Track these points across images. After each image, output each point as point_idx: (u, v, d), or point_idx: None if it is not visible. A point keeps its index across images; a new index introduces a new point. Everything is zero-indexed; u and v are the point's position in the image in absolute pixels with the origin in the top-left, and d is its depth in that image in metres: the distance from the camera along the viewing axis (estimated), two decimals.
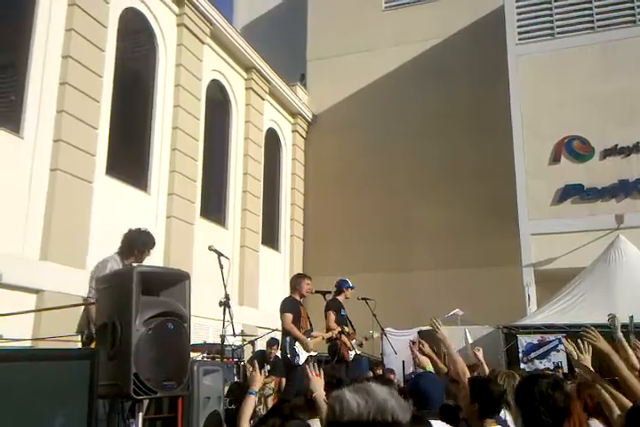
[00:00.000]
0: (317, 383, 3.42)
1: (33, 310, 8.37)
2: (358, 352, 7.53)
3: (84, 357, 3.00)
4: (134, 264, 5.06)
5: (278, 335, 8.80)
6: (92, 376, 2.85)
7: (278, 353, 8.56)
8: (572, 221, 15.27)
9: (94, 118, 11.17)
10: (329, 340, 7.27)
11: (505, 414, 3.69)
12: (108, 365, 3.15)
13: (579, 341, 3.77)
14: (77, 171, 10.60)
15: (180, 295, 3.54)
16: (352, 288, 7.83)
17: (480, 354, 5.42)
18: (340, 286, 7.77)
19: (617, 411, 3.30)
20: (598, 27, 16.81)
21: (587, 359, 3.75)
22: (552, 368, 11.16)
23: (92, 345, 4.89)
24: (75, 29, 10.93)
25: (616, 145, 15.71)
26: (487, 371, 5.42)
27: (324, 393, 3.36)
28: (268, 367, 9.74)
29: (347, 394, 1.35)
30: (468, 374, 4.19)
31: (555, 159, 16.16)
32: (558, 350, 11.93)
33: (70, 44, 10.85)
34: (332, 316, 7.44)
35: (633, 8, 16.67)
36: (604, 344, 3.65)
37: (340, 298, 7.71)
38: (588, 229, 15.05)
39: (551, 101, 16.27)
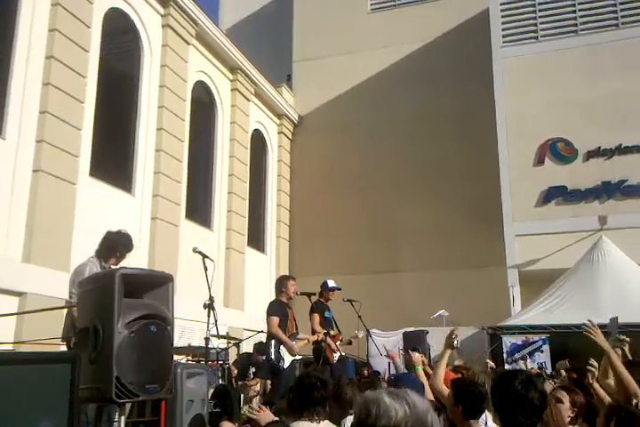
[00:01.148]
0: (263, 416, 3.42)
1: (14, 313, 8.28)
2: (343, 354, 7.53)
3: (65, 360, 2.98)
4: (116, 267, 5.03)
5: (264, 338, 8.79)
6: (73, 380, 2.83)
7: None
8: (556, 223, 15.40)
9: (78, 119, 11.07)
10: (313, 342, 7.27)
11: (485, 413, 3.70)
12: (89, 368, 3.12)
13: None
14: (60, 172, 10.50)
15: (164, 298, 3.51)
16: (336, 289, 7.81)
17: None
18: (322, 288, 7.78)
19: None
20: (581, 30, 16.98)
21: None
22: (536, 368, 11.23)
23: None
24: (58, 30, 10.84)
25: (599, 147, 15.86)
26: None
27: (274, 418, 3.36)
28: (253, 369, 9.70)
29: (385, 399, 1.30)
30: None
31: (539, 161, 16.29)
32: (542, 351, 12.02)
33: (54, 44, 10.76)
34: (317, 318, 7.43)
35: (616, 11, 16.85)
36: (602, 340, 3.73)
37: (323, 300, 7.71)
38: (571, 230, 15.18)
39: (535, 103, 16.39)
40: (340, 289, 7.93)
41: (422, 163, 18.35)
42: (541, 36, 17.28)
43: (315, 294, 7.66)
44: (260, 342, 9.71)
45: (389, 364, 9.58)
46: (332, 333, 7.35)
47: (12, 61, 10.20)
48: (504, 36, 17.40)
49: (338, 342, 7.49)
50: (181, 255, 12.96)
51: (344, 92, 20.11)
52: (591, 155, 15.93)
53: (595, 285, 12.68)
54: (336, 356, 7.33)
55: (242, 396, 7.87)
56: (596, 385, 3.78)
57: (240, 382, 9.21)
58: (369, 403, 1.32)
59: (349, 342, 7.91)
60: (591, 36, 16.74)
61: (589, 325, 3.84)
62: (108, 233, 5.57)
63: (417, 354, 5.04)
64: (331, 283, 7.86)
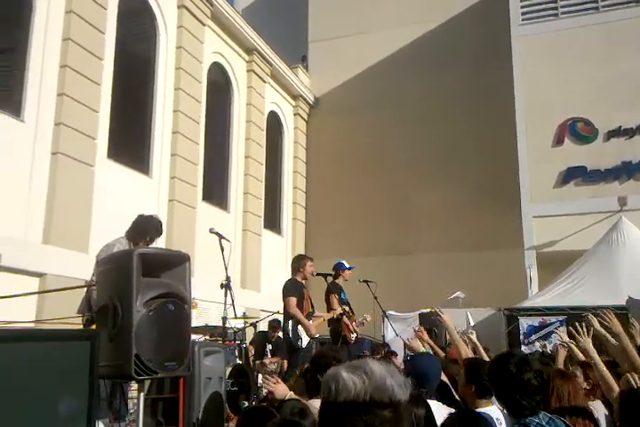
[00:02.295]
0: (281, 391, 3.42)
1: (34, 292, 8.42)
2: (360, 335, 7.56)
3: (85, 337, 3.02)
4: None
5: (281, 318, 8.85)
6: (92, 357, 2.87)
7: (280, 334, 8.62)
8: (575, 204, 15.23)
9: (95, 101, 11.12)
10: (330, 322, 7.30)
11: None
12: (109, 346, 3.17)
13: (577, 324, 3.82)
14: (79, 154, 10.58)
15: (181, 277, 3.54)
16: (350, 269, 7.80)
17: (474, 337, 5.44)
18: (338, 269, 7.76)
19: (616, 389, 3.32)
20: (602, 7, 16.60)
21: (587, 342, 3.79)
22: (552, 350, 11.20)
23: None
24: (74, 11, 10.84)
25: (620, 127, 15.61)
26: (483, 353, 5.45)
27: (292, 393, 3.37)
28: (270, 347, 9.80)
29: (343, 373, 1.30)
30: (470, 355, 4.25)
31: (558, 141, 16.07)
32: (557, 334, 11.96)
33: (70, 26, 10.77)
34: (335, 299, 7.44)
35: None
36: (617, 327, 3.71)
37: (339, 281, 7.71)
38: (590, 211, 15.01)
39: (555, 83, 16.12)
40: (354, 268, 7.91)
41: (438, 143, 18.21)
42: (561, 13, 16.93)
43: (331, 275, 7.67)
44: (275, 319, 9.81)
45: (405, 345, 9.59)
46: (368, 320, 7.37)
47: (29, 44, 10.24)
48: (523, 14, 17.08)
49: (353, 323, 7.52)
50: (198, 237, 13.05)
51: (359, 73, 19.95)
52: (611, 134, 15.68)
53: (613, 266, 12.54)
54: (353, 336, 7.36)
55: (258, 375, 7.97)
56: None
57: (257, 362, 9.33)
58: (329, 380, 1.32)
59: (361, 324, 7.93)
60: (611, 13, 16.37)
61: (607, 312, 3.81)
62: (140, 217, 5.61)
63: (415, 341, 5.07)
64: (345, 263, 7.86)
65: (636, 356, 3.64)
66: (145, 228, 5.52)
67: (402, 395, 1.31)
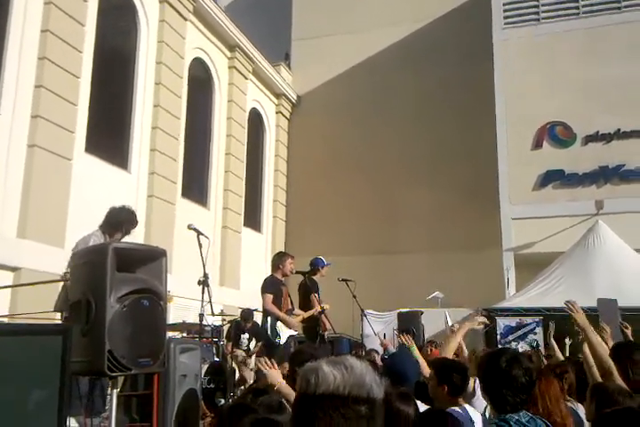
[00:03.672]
0: (274, 376, 3.36)
1: (8, 286, 8.27)
2: (336, 333, 7.48)
3: (57, 332, 2.96)
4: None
5: (252, 308, 8.79)
6: (64, 352, 2.81)
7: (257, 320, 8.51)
8: (553, 206, 15.39)
9: (73, 94, 10.96)
10: (305, 321, 7.24)
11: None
12: (82, 341, 3.11)
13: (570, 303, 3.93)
14: (56, 148, 10.42)
15: (157, 272, 3.49)
16: (327, 265, 7.77)
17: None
18: (317, 265, 7.72)
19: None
20: (583, 13, 16.78)
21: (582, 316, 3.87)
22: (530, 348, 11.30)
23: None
24: (54, 3, 10.66)
25: (597, 131, 15.80)
26: (465, 351, 5.47)
27: (283, 382, 3.31)
28: (246, 335, 9.69)
29: (323, 366, 1.31)
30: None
31: (537, 144, 16.23)
32: (535, 333, 12.09)
33: (49, 18, 10.59)
34: (315, 298, 7.40)
35: None
36: (581, 318, 3.77)
37: (316, 277, 7.68)
38: (568, 214, 15.18)
39: (535, 86, 16.27)
40: (330, 264, 7.86)
41: (421, 144, 18.28)
42: (543, 18, 17.09)
43: (309, 273, 7.63)
44: (245, 309, 9.75)
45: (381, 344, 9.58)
46: (326, 307, 7.29)
47: (6, 35, 10.06)
48: (505, 18, 17.21)
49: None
50: (177, 234, 12.94)
51: (343, 72, 19.94)
52: (590, 139, 15.87)
53: (589, 269, 12.70)
54: (326, 334, 7.32)
55: (233, 363, 7.88)
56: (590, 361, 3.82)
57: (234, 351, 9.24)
58: (308, 372, 1.32)
59: (319, 313, 7.79)
60: (593, 19, 16.56)
61: (571, 303, 3.91)
62: (113, 209, 5.56)
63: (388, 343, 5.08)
64: (324, 260, 7.82)
65: (602, 352, 3.69)
66: (118, 219, 5.47)
67: (379, 393, 1.32)
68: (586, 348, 3.90)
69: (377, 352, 9.43)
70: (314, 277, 7.66)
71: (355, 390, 1.28)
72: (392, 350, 8.66)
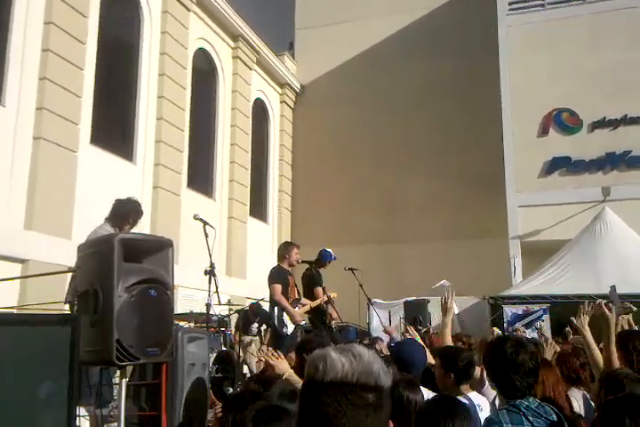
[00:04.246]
0: (281, 366, 3.37)
1: (16, 277, 8.32)
2: (342, 323, 7.48)
3: (66, 323, 2.99)
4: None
5: (261, 302, 8.81)
6: (72, 342, 2.84)
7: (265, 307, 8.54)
8: (559, 194, 15.31)
9: (78, 86, 10.95)
10: (314, 310, 7.26)
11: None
12: (90, 331, 3.13)
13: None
14: (61, 140, 10.44)
15: (163, 262, 3.50)
16: (333, 259, 7.77)
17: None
18: (324, 258, 7.74)
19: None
20: None
21: (585, 319, 3.84)
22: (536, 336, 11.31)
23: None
24: None
25: (604, 117, 15.67)
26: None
27: (292, 371, 3.32)
28: (255, 325, 9.70)
29: (332, 353, 1.31)
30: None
31: (543, 131, 16.13)
32: (543, 320, 12.09)
33: (52, 9, 10.57)
34: (320, 291, 7.40)
35: None
36: (583, 321, 3.76)
37: (322, 269, 7.70)
38: (574, 201, 15.11)
39: (541, 73, 16.14)
40: (334, 259, 7.86)
41: (425, 132, 18.21)
42: (548, 4, 16.92)
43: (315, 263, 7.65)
44: (254, 303, 9.78)
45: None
46: (333, 295, 7.30)
47: (10, 27, 10.05)
48: (510, 4, 17.04)
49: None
50: (183, 225, 12.96)
51: (347, 61, 19.84)
52: (596, 125, 15.75)
53: (596, 256, 12.68)
54: (333, 323, 7.34)
55: (241, 352, 7.90)
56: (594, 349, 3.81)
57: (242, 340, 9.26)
58: (316, 359, 1.32)
59: (328, 302, 7.82)
60: (598, 4, 16.37)
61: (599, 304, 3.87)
62: (118, 201, 5.62)
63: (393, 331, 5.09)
64: (332, 253, 7.83)
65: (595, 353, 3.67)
66: (125, 211, 5.52)
67: (387, 381, 1.32)
68: (586, 332, 3.86)
69: (382, 340, 9.45)
70: (319, 269, 7.68)
71: (363, 378, 1.28)
72: (396, 337, 8.68)
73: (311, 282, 7.51)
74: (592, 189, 15.05)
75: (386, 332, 8.91)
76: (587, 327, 3.78)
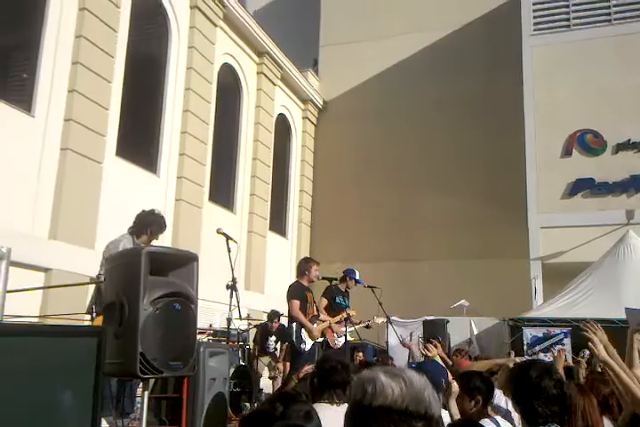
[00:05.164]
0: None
1: (40, 287, 8.41)
2: (350, 339, 7.41)
3: (92, 334, 2.99)
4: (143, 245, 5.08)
5: (279, 309, 8.78)
6: (98, 354, 2.84)
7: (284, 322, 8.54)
8: (582, 216, 15.18)
9: (105, 99, 11.13)
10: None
11: (506, 401, 3.68)
12: (114, 343, 3.14)
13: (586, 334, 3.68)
14: (87, 151, 10.58)
15: (188, 276, 3.52)
16: (357, 281, 7.72)
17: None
18: (347, 275, 7.73)
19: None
20: (615, 19, 16.59)
21: (601, 350, 3.57)
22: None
23: (94, 323, 4.93)
24: (88, 9, 10.85)
25: (629, 140, 15.57)
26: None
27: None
28: (273, 338, 9.69)
29: (382, 377, 1.27)
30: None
31: (566, 152, 16.04)
32: (563, 344, 11.90)
33: (83, 24, 10.78)
34: (323, 301, 7.39)
35: None
36: (597, 340, 3.52)
37: (342, 286, 7.67)
38: (597, 223, 14.96)
39: (565, 94, 16.10)
40: (361, 283, 7.81)
41: (447, 151, 18.19)
42: (573, 25, 16.92)
43: (336, 279, 7.64)
44: (273, 310, 9.77)
45: (409, 352, 9.54)
46: (352, 314, 7.27)
47: (42, 40, 10.25)
48: (535, 24, 17.07)
49: (360, 325, 7.41)
50: (204, 237, 13.03)
51: (369, 79, 19.95)
52: (620, 147, 15.64)
53: (619, 279, 12.49)
54: (339, 341, 7.22)
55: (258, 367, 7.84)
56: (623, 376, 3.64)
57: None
58: (364, 382, 1.29)
59: (367, 326, 7.87)
60: (624, 26, 16.35)
61: (587, 325, 3.63)
62: (142, 212, 5.67)
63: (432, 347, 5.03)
64: (357, 274, 7.80)
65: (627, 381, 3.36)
66: (146, 222, 5.56)
67: (437, 409, 1.29)
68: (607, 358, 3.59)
69: (392, 358, 9.34)
70: (339, 285, 7.67)
71: (413, 405, 1.25)
72: (416, 351, 8.60)
73: (325, 294, 7.50)
74: (615, 211, 14.90)
75: (404, 345, 8.85)
76: (606, 356, 3.40)
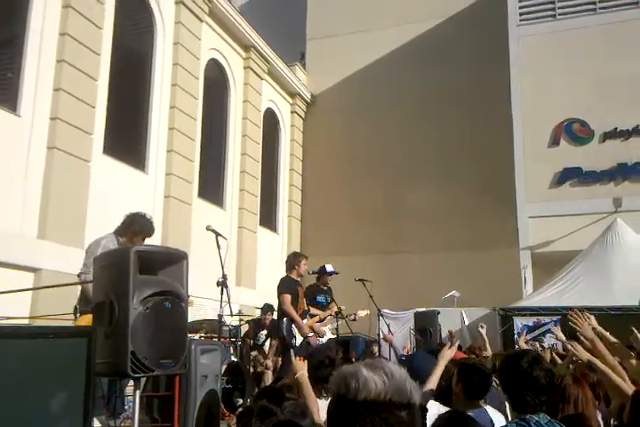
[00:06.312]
0: (299, 365, 3.37)
1: (29, 289, 8.38)
2: (332, 336, 7.37)
3: (81, 334, 3.00)
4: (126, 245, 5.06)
5: (271, 302, 8.78)
6: (89, 354, 2.85)
7: (275, 316, 8.54)
8: (570, 204, 15.27)
9: (91, 97, 11.07)
10: None
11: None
12: (105, 343, 3.15)
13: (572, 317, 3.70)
14: (74, 149, 10.53)
15: (178, 275, 3.53)
16: (333, 273, 7.71)
17: (484, 331, 5.46)
18: (320, 272, 7.71)
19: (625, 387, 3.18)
20: (600, 8, 16.62)
21: (581, 351, 3.57)
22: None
23: (77, 322, 4.92)
24: (71, 6, 10.77)
25: (615, 128, 15.64)
26: (489, 350, 5.46)
27: (306, 373, 3.33)
28: (264, 333, 9.71)
29: (364, 371, 1.30)
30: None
31: (554, 142, 16.10)
32: (553, 332, 11.99)
33: (67, 21, 10.70)
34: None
35: None
36: (587, 331, 3.56)
37: (321, 284, 7.69)
38: (585, 212, 15.05)
39: (551, 84, 16.14)
40: (337, 273, 7.80)
41: (435, 143, 18.22)
42: (559, 15, 16.95)
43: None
44: (266, 304, 9.78)
45: (390, 344, 9.46)
46: (342, 308, 7.28)
47: (25, 38, 10.17)
48: (521, 15, 17.09)
49: (328, 326, 7.34)
50: (194, 234, 13.02)
51: (357, 72, 19.93)
52: (607, 136, 15.72)
53: (608, 267, 12.61)
54: (321, 341, 7.14)
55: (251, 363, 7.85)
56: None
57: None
58: (347, 377, 1.31)
59: (353, 319, 7.89)
60: (609, 15, 16.39)
61: (574, 314, 3.66)
62: (131, 213, 5.59)
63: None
64: (329, 267, 7.78)
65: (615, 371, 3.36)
66: (128, 222, 5.46)
67: (417, 398, 1.32)
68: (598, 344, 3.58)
69: (379, 344, 9.31)
70: (318, 284, 7.69)
71: (396, 397, 1.28)
72: (397, 346, 8.60)
73: (308, 293, 7.51)
74: (603, 199, 15.00)
75: (385, 340, 8.83)
76: (589, 356, 3.42)
